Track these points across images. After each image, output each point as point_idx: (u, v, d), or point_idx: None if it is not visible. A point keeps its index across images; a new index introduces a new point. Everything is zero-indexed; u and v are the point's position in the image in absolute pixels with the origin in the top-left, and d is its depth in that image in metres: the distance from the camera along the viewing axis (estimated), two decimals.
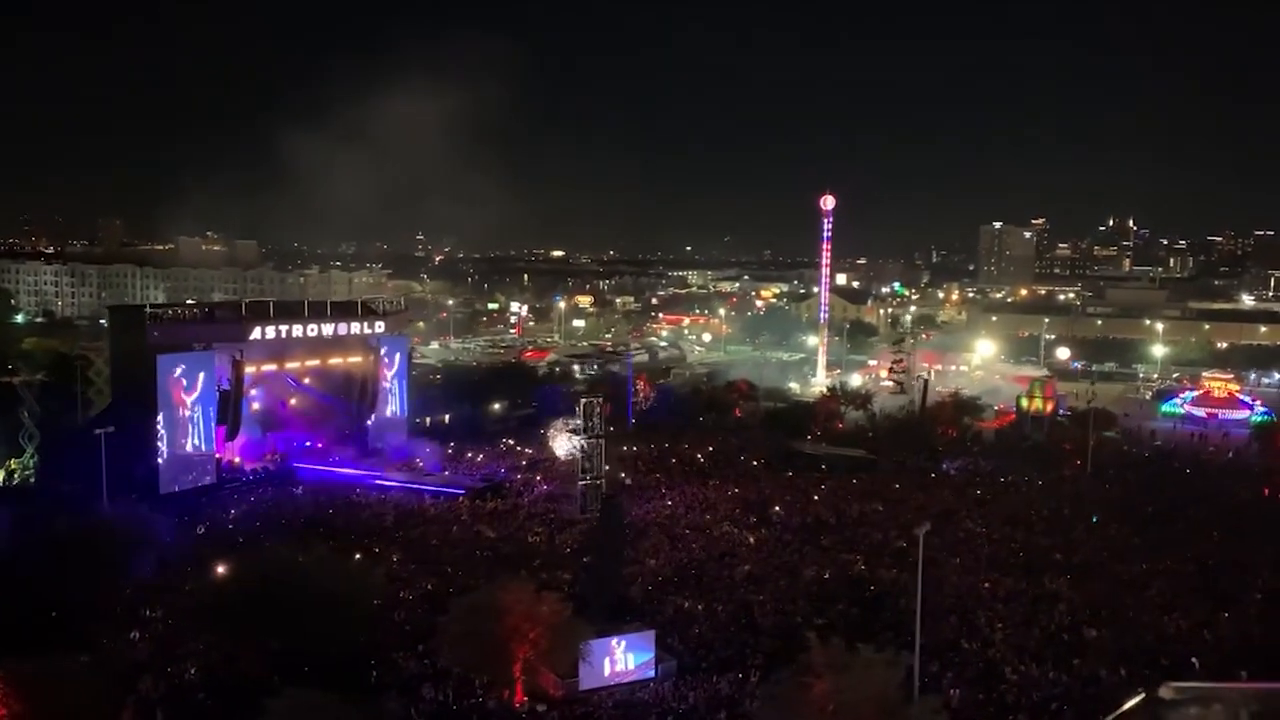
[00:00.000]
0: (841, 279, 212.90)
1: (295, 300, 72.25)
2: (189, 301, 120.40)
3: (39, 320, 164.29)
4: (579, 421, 55.08)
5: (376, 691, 32.07)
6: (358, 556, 44.44)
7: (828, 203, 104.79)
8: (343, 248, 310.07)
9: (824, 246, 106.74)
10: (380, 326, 70.24)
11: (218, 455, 60.85)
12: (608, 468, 65.39)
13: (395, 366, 71.17)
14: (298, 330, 64.55)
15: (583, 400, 56.95)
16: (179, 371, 57.85)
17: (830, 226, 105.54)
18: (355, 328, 68.56)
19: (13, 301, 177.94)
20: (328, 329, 66.81)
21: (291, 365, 66.50)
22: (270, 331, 62.95)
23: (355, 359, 69.23)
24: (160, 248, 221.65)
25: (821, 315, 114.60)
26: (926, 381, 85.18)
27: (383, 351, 69.70)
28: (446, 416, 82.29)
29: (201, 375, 58.76)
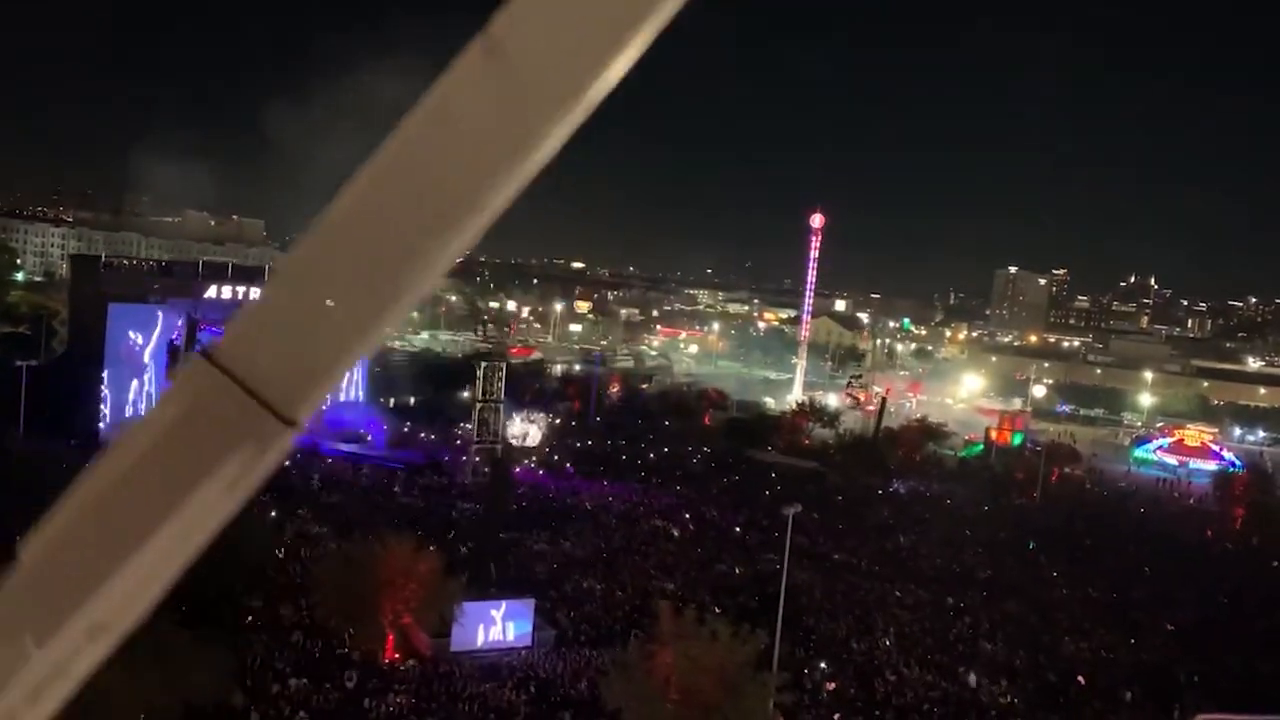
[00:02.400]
0: (840, 305, 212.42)
1: (255, 265, 71.83)
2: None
3: (38, 279, 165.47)
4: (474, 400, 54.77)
5: (246, 633, 32.10)
6: (273, 514, 44.52)
7: (816, 220, 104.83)
8: None
9: (810, 264, 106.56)
10: None
11: None
12: (557, 456, 65.78)
13: None
14: (254, 293, 64.38)
15: (482, 364, 56.44)
16: (130, 322, 58.02)
17: (818, 244, 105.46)
18: None
19: (18, 260, 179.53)
20: None
21: None
22: (226, 292, 63.05)
23: None
24: (169, 220, 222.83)
25: (802, 333, 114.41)
26: (884, 400, 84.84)
27: None
28: (412, 399, 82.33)
29: (154, 328, 58.90)
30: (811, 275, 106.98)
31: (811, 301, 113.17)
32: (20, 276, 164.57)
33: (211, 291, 62.59)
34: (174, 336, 60.93)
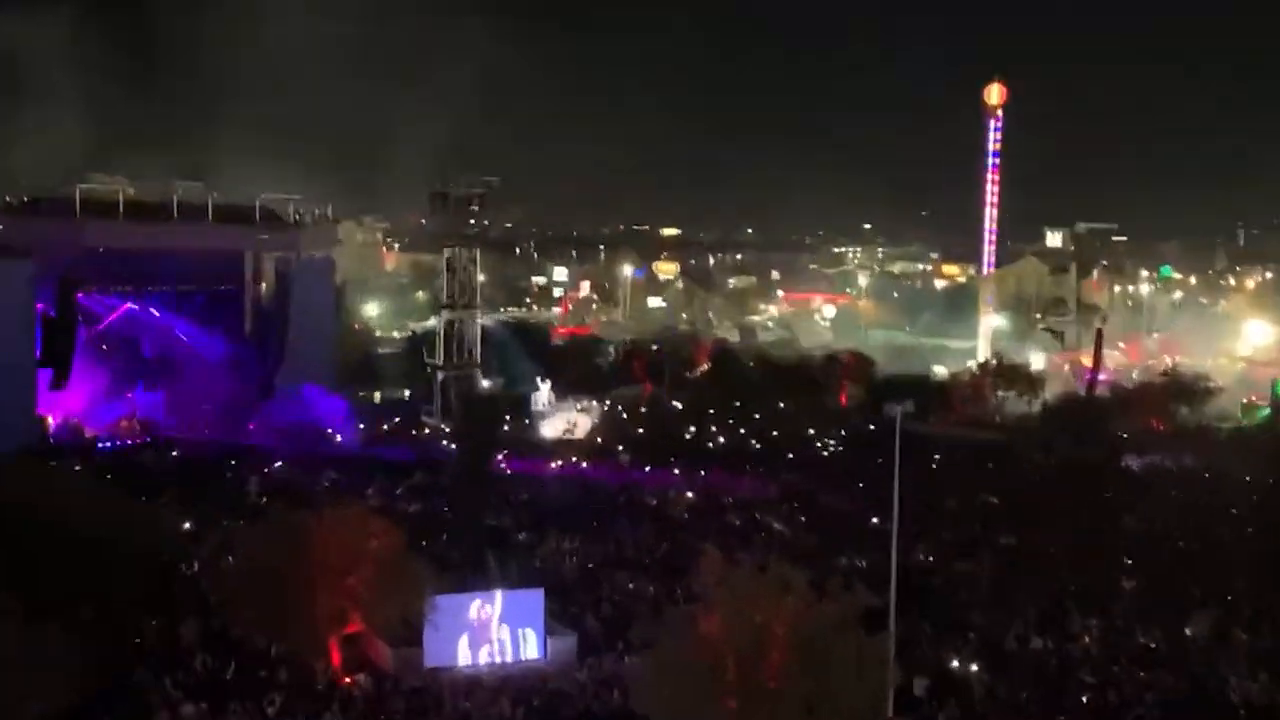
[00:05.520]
0: (1056, 241, 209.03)
1: (161, 201, 70.18)
2: None
3: None
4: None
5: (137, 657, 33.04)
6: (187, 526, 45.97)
7: (994, 95, 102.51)
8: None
9: (991, 162, 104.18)
10: (294, 243, 70.44)
11: (40, 414, 61.97)
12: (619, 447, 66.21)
13: (318, 300, 70.53)
14: (165, 239, 65.19)
15: (446, 251, 57.08)
16: None
17: (1000, 130, 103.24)
18: (253, 242, 69.22)
19: None
20: (212, 241, 67.59)
21: (163, 291, 67.38)
22: (122, 238, 63.92)
23: (258, 287, 70.28)
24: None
25: (985, 267, 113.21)
26: (1100, 332, 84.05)
27: (298, 279, 69.95)
28: (406, 392, 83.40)
29: (12, 294, 59.63)
30: (992, 178, 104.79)
31: (995, 221, 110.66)
32: None
33: (98, 238, 63.38)
34: (46, 308, 61.97)
